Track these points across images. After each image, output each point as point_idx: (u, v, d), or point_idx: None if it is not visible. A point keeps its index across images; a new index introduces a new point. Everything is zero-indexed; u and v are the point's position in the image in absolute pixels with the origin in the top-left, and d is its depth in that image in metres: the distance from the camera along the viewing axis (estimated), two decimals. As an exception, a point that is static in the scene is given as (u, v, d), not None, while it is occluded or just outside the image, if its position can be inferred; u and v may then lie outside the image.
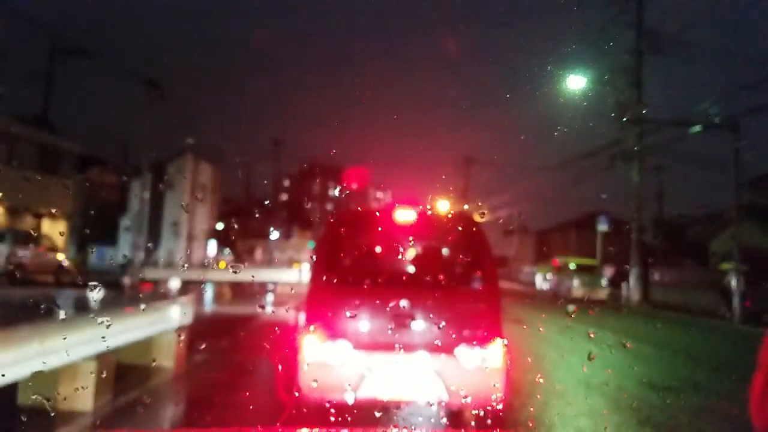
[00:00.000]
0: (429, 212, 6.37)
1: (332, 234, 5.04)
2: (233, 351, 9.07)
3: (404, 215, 4.98)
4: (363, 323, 4.31)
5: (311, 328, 4.35)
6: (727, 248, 22.92)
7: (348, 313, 4.33)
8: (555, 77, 23.26)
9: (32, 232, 23.83)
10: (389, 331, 4.28)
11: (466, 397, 4.28)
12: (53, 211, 27.85)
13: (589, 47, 24.61)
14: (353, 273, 4.97)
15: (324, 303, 4.52)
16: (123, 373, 6.16)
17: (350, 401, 4.21)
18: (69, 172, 29.01)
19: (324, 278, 4.64)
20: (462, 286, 4.90)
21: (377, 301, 4.35)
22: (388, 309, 4.31)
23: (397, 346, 4.25)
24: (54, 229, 27.23)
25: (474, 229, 5.16)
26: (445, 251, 5.83)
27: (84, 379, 5.01)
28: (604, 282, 26.82)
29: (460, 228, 5.44)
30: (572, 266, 27.75)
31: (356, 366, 4.23)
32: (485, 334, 4.30)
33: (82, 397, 5.01)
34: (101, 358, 5.23)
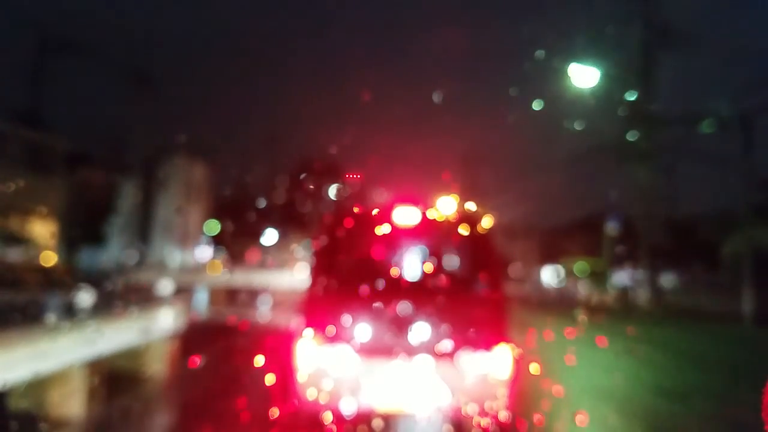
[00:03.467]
0: (431, 211, 6.30)
1: (330, 235, 4.93)
2: (226, 357, 9.06)
3: (405, 214, 4.88)
4: (361, 328, 4.21)
5: (307, 332, 4.27)
6: (739, 249, 22.93)
7: (345, 318, 4.23)
8: (561, 74, 23.22)
9: (20, 233, 23.79)
10: (388, 337, 4.17)
11: (471, 403, 4.18)
12: (42, 210, 27.80)
13: (598, 43, 24.60)
14: (351, 275, 4.91)
15: (321, 307, 4.43)
16: (114, 379, 6.18)
17: (347, 409, 4.14)
18: (58, 170, 28.95)
19: (321, 281, 4.55)
20: (467, 289, 4.77)
21: (376, 305, 4.25)
22: (386, 313, 4.20)
23: (396, 351, 4.16)
24: (42, 229, 27.19)
25: (479, 228, 5.05)
26: (449, 253, 5.68)
27: (74, 385, 5.02)
28: (612, 284, 26.82)
29: (464, 228, 5.34)
30: (579, 267, 27.75)
31: (353, 372, 4.14)
32: (491, 340, 4.19)
33: (72, 403, 5.02)
34: (92, 364, 5.24)
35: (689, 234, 37.71)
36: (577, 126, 23.16)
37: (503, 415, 4.23)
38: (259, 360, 8.68)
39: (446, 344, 4.16)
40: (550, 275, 35.37)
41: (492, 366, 4.14)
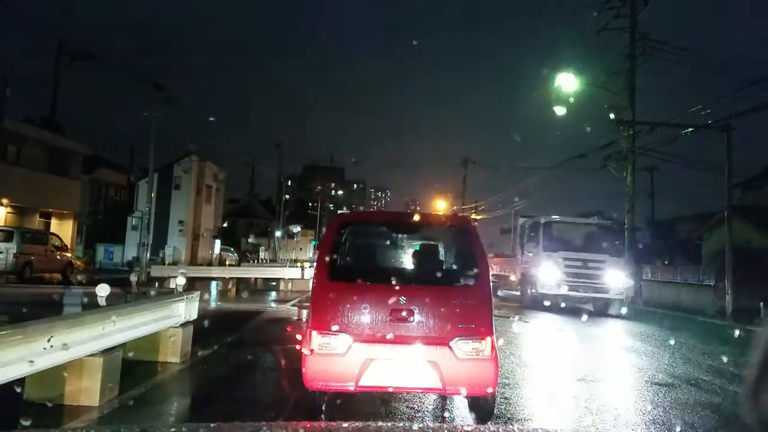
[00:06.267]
0: (425, 214, 6.29)
1: (334, 234, 5.16)
2: (237, 346, 9.02)
3: (402, 217, 5.26)
4: (363, 318, 4.47)
5: (316, 322, 4.50)
6: (719, 247, 22.85)
7: (350, 309, 4.48)
8: (551, 80, 23.15)
9: (41, 232, 23.74)
10: (387, 325, 4.44)
11: (460, 386, 4.49)
12: (61, 211, 27.77)
13: (586, 50, 24.55)
14: (354, 271, 5.14)
15: (327, 299, 4.63)
16: (129, 368, 6.12)
17: (352, 388, 4.40)
18: (77, 172, 28.92)
19: (327, 276, 4.77)
20: (456, 283, 5.06)
21: (377, 297, 4.51)
22: (386, 304, 4.45)
23: (395, 339, 4.42)
24: (62, 228, 27.17)
25: (468, 230, 5.36)
26: (440, 250, 6.04)
27: (90, 374, 4.96)
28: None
29: (454, 229, 5.73)
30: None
31: (357, 357, 4.38)
32: (477, 328, 4.48)
33: (88, 392, 4.96)
34: (108, 353, 5.18)
35: (671, 233, 37.69)
36: (567, 130, 23.10)
37: (488, 392, 4.61)
38: (268, 349, 8.67)
39: (438, 332, 4.46)
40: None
41: (478, 352, 4.43)
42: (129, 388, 5.65)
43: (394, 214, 5.22)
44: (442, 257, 5.93)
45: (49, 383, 4.81)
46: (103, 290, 5.27)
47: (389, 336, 4.42)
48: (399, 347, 4.42)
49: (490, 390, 4.57)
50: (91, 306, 5.66)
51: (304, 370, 4.46)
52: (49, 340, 4.31)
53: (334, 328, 4.43)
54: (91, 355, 4.96)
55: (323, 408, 4.83)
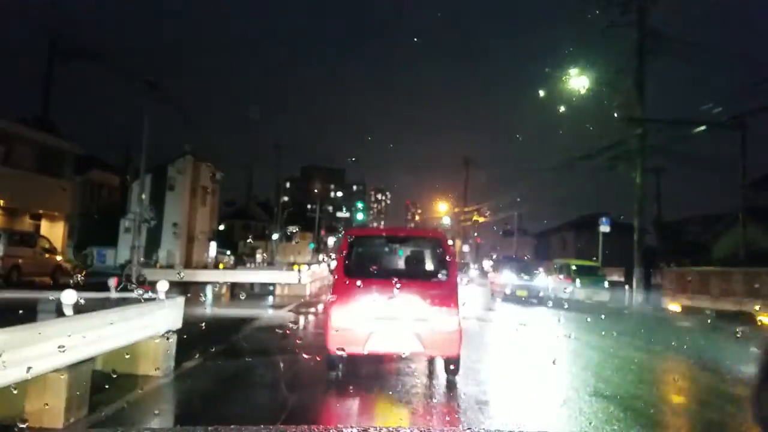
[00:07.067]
0: (411, 229, 10.03)
1: (347, 244, 7.14)
2: (227, 357, 8.53)
3: (396, 231, 8.07)
4: (368, 302, 6.30)
5: (335, 304, 6.47)
6: (730, 249, 22.39)
7: (359, 295, 6.32)
8: (557, 79, 22.76)
9: (29, 233, 23.26)
10: (385, 307, 6.24)
11: (435, 349, 6.55)
12: (52, 212, 27.29)
13: (593, 48, 24.15)
14: (363, 270, 6.94)
15: (344, 288, 6.55)
16: (105, 382, 5.63)
17: (361, 351, 6.22)
18: (69, 173, 28.45)
19: (343, 273, 6.70)
20: (433, 278, 7.10)
21: (378, 288, 6.34)
22: (384, 293, 6.24)
23: (390, 317, 6.27)
24: (53, 230, 26.68)
25: (442, 240, 7.48)
26: (423, 255, 7.91)
27: (54, 392, 4.48)
28: (606, 284, 26.18)
29: (432, 240, 7.93)
30: (573, 268, 27.14)
31: (364, 330, 6.25)
32: (448, 309, 6.41)
33: (51, 412, 4.48)
34: (74, 368, 4.70)
35: (680, 234, 37.20)
36: (573, 130, 22.65)
37: (455, 355, 6.63)
38: (259, 361, 8.18)
39: (420, 312, 6.33)
40: (544, 275, 34.72)
41: (448, 325, 6.37)
42: (101, 405, 5.17)
43: (390, 229, 8.39)
44: (424, 260, 7.81)
45: (8, 403, 4.33)
46: (69, 298, 4.78)
47: (386, 315, 6.27)
48: (393, 322, 6.30)
49: (456, 353, 6.53)
50: (79, 311, 5.18)
51: (328, 339, 6.43)
52: (3, 354, 3.84)
53: (349, 309, 6.38)
54: (55, 370, 4.48)
55: (341, 367, 6.88)
